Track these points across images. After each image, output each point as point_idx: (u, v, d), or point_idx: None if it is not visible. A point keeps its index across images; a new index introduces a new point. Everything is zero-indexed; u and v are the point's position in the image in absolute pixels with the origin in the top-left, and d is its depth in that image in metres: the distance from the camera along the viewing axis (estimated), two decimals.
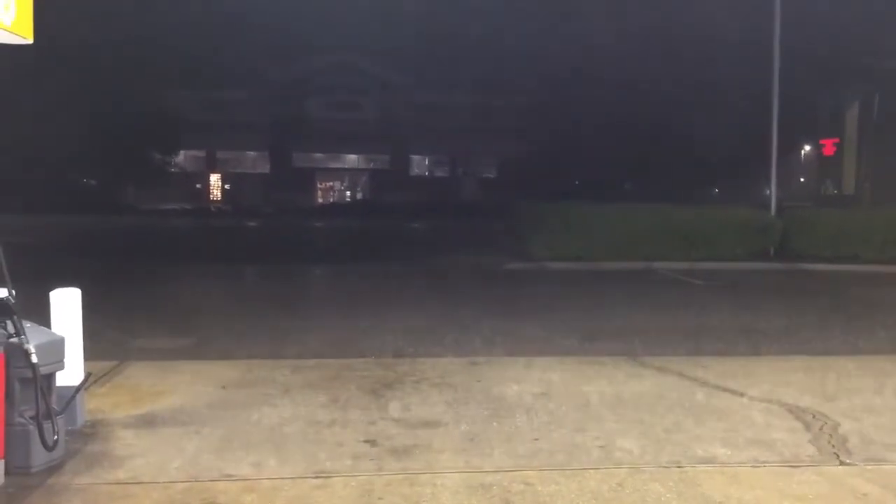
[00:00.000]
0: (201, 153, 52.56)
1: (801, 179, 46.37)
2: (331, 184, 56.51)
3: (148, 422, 5.55)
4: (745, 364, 7.57)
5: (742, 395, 6.39)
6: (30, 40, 4.64)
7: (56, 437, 4.65)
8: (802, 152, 46.50)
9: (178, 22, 36.48)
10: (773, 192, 20.66)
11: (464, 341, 8.87)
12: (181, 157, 49.76)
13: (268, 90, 48.77)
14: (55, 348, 4.88)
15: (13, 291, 4.62)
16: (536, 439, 5.28)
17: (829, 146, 40.61)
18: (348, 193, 56.02)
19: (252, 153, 54.08)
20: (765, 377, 6.94)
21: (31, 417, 4.61)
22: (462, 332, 9.40)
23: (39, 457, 4.61)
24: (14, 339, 4.56)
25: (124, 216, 34.37)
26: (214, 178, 54.09)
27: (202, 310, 11.07)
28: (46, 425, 4.59)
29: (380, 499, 4.32)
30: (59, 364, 4.94)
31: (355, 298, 12.66)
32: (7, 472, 4.47)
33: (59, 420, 4.75)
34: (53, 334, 5.04)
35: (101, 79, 33.72)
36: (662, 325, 10.24)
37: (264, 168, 53.53)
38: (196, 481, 4.51)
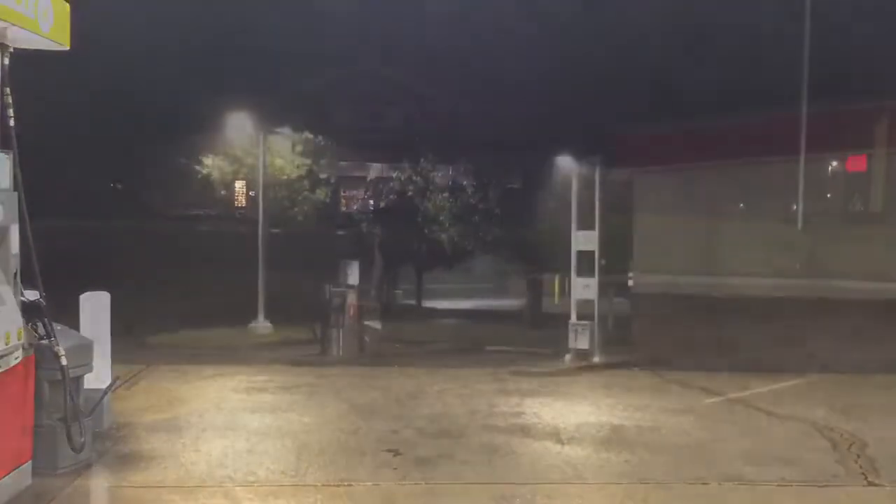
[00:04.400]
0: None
1: (828, 195, 45.89)
2: (354, 192, 56.72)
3: (173, 425, 5.58)
4: (770, 381, 7.48)
5: (768, 412, 6.31)
6: (66, 47, 4.68)
7: (83, 439, 4.67)
8: (829, 167, 46.07)
9: (203, 29, 36.79)
10: (799, 207, 20.41)
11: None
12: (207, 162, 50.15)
13: (291, 98, 49.04)
14: (84, 351, 4.92)
15: (44, 294, 4.66)
16: (560, 452, 5.25)
17: (857, 161, 40.13)
18: (371, 202, 56.22)
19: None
20: (791, 395, 6.88)
21: (59, 419, 4.63)
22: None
23: (66, 458, 4.64)
24: (44, 341, 4.59)
25: (149, 221, 34.61)
26: (239, 185, 54.42)
27: (228, 314, 11.13)
28: (74, 427, 4.61)
29: None
30: (88, 367, 4.97)
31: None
32: (34, 473, 4.51)
33: (87, 422, 4.78)
34: (83, 337, 5.09)
35: (128, 84, 34.06)
36: (683, 340, 10.15)
37: None
38: (220, 485, 4.52)
